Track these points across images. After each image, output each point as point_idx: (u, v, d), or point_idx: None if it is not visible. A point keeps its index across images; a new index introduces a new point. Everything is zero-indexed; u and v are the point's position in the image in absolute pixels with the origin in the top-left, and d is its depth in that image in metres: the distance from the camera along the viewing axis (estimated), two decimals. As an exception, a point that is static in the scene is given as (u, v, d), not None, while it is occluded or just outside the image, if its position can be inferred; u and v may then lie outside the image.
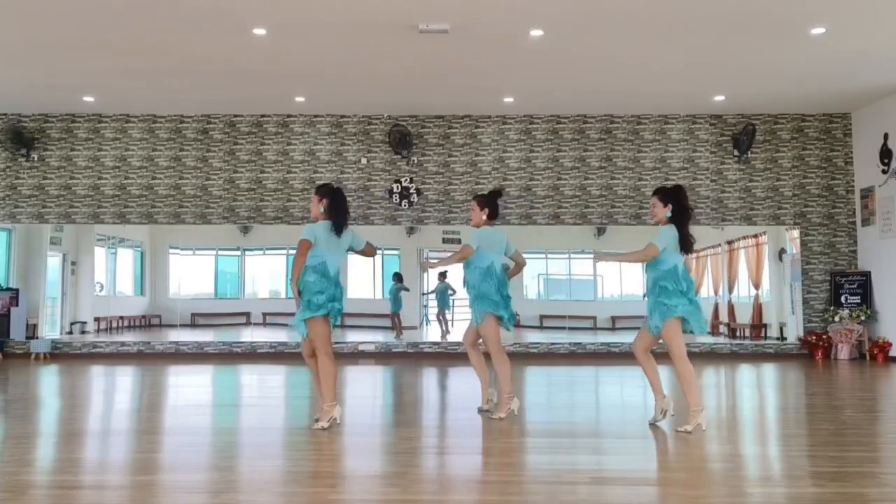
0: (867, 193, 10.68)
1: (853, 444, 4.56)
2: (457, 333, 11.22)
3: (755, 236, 11.43)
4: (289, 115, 11.13)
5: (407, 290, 11.65)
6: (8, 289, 11.05)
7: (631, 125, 11.12)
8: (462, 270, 5.67)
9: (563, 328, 11.50)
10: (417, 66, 8.87)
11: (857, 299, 10.61)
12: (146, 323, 11.96)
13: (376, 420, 5.71)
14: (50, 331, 11.37)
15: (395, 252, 11.88)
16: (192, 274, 12.26)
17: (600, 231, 11.25)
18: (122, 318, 11.93)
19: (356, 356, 10.83)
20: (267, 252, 12.24)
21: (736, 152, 10.94)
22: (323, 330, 5.04)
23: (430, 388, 7.80)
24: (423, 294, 11.83)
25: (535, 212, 11.06)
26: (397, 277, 11.77)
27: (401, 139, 10.86)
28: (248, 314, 12.21)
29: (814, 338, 10.65)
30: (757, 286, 11.62)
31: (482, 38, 7.95)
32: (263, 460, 4.17)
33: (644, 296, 5.35)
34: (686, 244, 5.21)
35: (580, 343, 11.04)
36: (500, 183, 10.98)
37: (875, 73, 9.20)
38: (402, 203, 11.00)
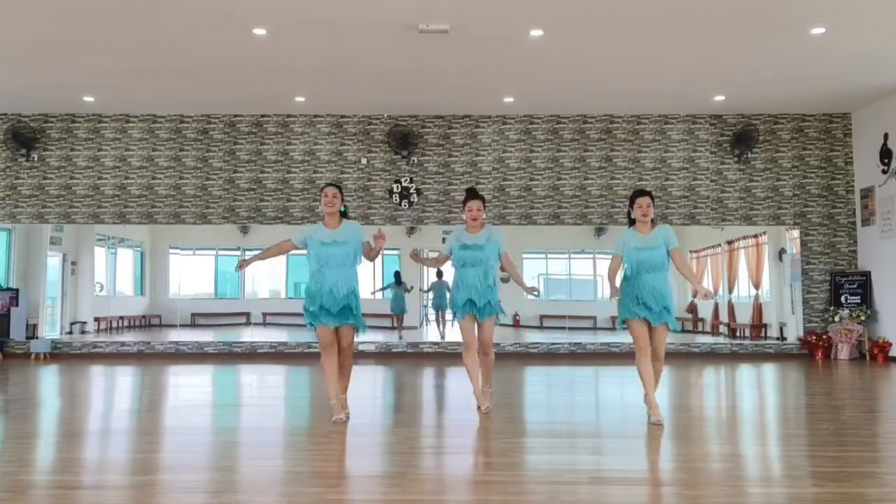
0: (867, 193, 10.69)
1: (853, 444, 4.55)
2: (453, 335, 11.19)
3: (755, 236, 11.43)
4: (289, 115, 11.14)
5: (408, 290, 11.64)
6: (8, 289, 11.05)
7: (631, 125, 11.13)
8: (497, 271, 5.81)
9: (563, 328, 11.51)
10: (417, 66, 8.87)
11: (857, 299, 10.62)
12: (146, 323, 11.95)
13: (376, 420, 5.71)
14: (50, 331, 11.37)
15: (395, 252, 11.86)
16: (192, 274, 12.25)
17: (600, 231, 11.26)
18: (122, 318, 11.93)
19: (356, 356, 10.80)
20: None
21: (736, 152, 10.96)
22: None
23: (430, 388, 7.79)
24: (423, 291, 11.78)
25: (535, 212, 11.06)
26: (397, 277, 11.75)
27: (401, 138, 10.86)
28: (248, 314, 12.20)
29: (814, 338, 10.66)
30: (757, 286, 11.62)
31: (482, 38, 7.95)
32: (263, 460, 4.17)
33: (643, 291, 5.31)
34: None
35: (580, 343, 11.04)
36: (500, 183, 11.01)
37: (875, 73, 9.20)
38: (402, 203, 11.01)
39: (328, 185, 5.49)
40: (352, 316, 5.24)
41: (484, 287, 5.61)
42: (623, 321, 5.37)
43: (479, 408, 5.69)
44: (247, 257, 5.40)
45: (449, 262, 5.95)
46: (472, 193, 5.83)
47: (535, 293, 6.08)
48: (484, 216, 5.78)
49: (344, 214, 5.46)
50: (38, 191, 11.07)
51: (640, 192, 5.44)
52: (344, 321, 5.23)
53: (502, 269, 5.83)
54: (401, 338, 11.46)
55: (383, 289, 11.72)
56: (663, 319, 5.25)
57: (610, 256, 5.54)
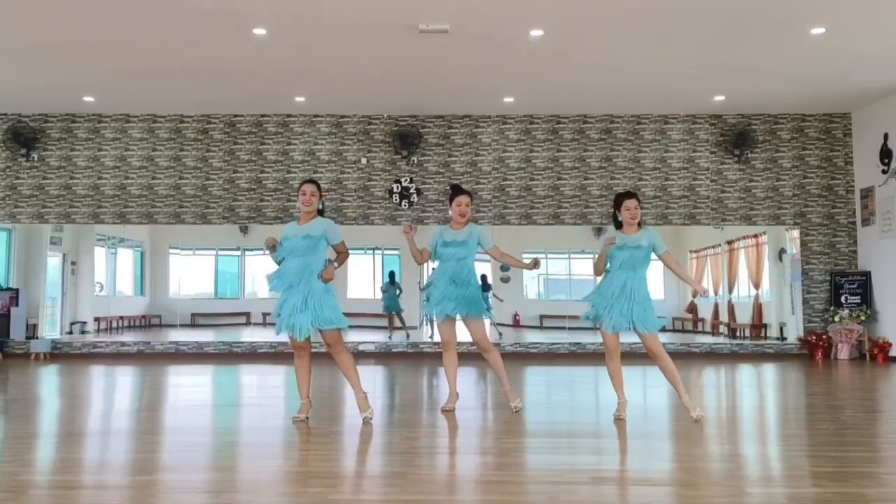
0: (867, 193, 10.69)
1: (853, 444, 4.55)
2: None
3: (755, 236, 11.43)
4: (289, 115, 11.14)
5: (399, 290, 11.62)
6: (8, 289, 11.05)
7: (631, 125, 11.13)
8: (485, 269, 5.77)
9: (563, 328, 11.50)
10: (417, 66, 8.87)
11: (857, 299, 10.61)
12: (146, 323, 11.95)
13: (376, 420, 5.70)
14: (50, 331, 11.37)
15: (395, 252, 11.86)
16: (192, 274, 12.24)
17: (600, 231, 11.25)
18: (122, 318, 11.92)
19: (356, 356, 10.80)
20: (267, 252, 12.23)
21: (736, 152, 10.97)
22: None
23: (430, 388, 7.79)
24: (421, 290, 11.68)
25: (535, 212, 11.06)
26: (391, 277, 11.72)
27: (404, 137, 10.86)
28: (248, 314, 12.20)
29: (814, 338, 10.66)
30: (757, 286, 11.61)
31: (482, 38, 7.95)
32: (263, 460, 4.17)
33: (615, 293, 5.32)
34: None
35: (580, 343, 11.04)
36: (500, 183, 11.02)
37: (875, 73, 9.20)
38: (402, 203, 11.01)
39: (306, 182, 5.31)
40: (312, 316, 5.05)
41: (462, 284, 5.55)
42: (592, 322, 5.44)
43: (443, 410, 5.66)
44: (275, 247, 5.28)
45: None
46: (459, 189, 5.77)
47: (536, 265, 5.64)
48: (471, 212, 5.71)
49: (321, 212, 5.33)
50: (38, 191, 11.07)
51: (627, 195, 5.43)
52: (316, 324, 5.07)
53: (502, 268, 5.80)
54: (390, 337, 11.42)
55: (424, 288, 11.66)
56: (618, 328, 5.26)
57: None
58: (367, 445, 4.61)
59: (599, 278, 5.53)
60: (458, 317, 5.64)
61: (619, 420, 5.29)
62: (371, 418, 5.19)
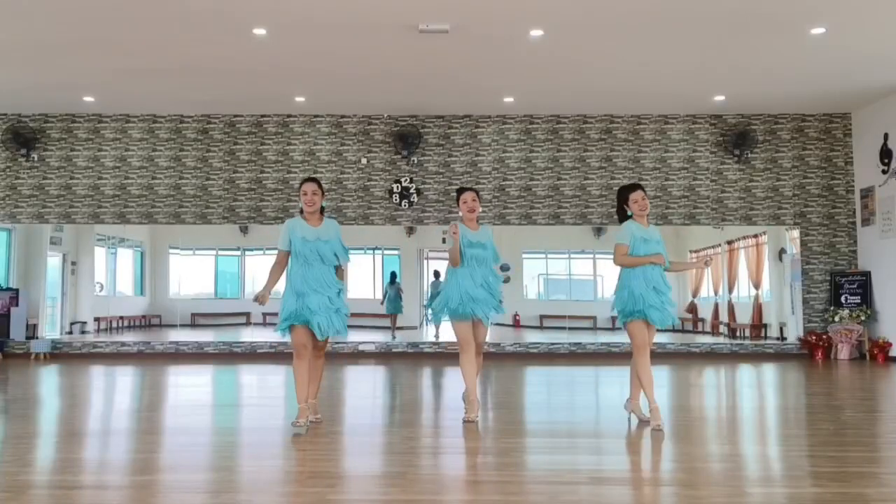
0: (867, 193, 10.69)
1: (853, 444, 4.55)
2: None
3: (755, 236, 11.43)
4: (289, 115, 11.14)
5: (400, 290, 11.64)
6: (8, 289, 11.05)
7: (631, 125, 11.13)
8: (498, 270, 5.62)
9: (563, 328, 11.50)
10: (417, 66, 8.88)
11: (857, 299, 10.61)
12: (146, 323, 11.95)
13: (376, 420, 5.71)
14: (50, 331, 11.37)
15: (395, 252, 11.86)
16: (192, 274, 12.24)
17: (600, 231, 11.26)
18: (122, 318, 11.92)
19: (356, 356, 10.83)
20: (267, 252, 12.22)
21: (736, 152, 10.97)
22: None
23: (430, 388, 7.80)
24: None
25: (535, 212, 11.06)
26: (392, 277, 11.74)
27: (404, 137, 10.86)
28: (248, 314, 12.20)
29: (814, 338, 10.66)
30: (757, 286, 11.61)
31: (482, 38, 7.95)
32: (263, 460, 4.17)
33: (650, 288, 5.20)
34: None
35: (580, 343, 11.04)
36: (500, 183, 11.02)
37: (875, 73, 9.20)
38: (402, 203, 11.01)
39: (307, 180, 5.20)
40: (331, 318, 5.04)
41: (494, 288, 5.37)
42: (624, 323, 5.23)
43: (465, 420, 5.22)
44: (258, 291, 5.20)
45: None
46: (463, 188, 5.65)
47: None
48: (480, 208, 5.57)
49: (321, 211, 5.27)
50: (38, 191, 11.07)
51: (632, 187, 5.32)
52: (328, 327, 5.03)
53: (501, 268, 5.72)
54: (394, 338, 11.44)
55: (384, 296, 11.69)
56: (667, 322, 5.14)
57: (610, 256, 5.42)
58: (367, 445, 4.61)
59: (619, 271, 5.34)
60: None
61: (658, 431, 4.88)
62: (320, 421, 5.18)
